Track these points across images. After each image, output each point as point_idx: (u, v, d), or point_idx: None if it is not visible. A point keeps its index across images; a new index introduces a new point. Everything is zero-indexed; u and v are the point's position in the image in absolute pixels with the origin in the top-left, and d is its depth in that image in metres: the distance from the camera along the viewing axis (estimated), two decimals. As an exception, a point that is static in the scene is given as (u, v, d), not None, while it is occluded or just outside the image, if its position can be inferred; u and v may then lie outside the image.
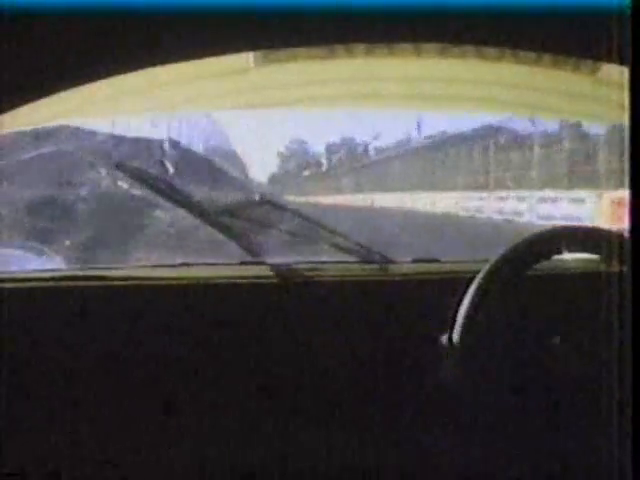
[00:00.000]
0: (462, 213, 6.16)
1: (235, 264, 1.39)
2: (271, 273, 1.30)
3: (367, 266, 1.37)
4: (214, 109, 1.55)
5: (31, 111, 0.92)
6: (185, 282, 1.27)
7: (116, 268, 1.34)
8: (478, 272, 1.08)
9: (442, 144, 5.74)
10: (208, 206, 1.38)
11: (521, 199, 6.07)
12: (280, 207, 1.44)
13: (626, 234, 0.94)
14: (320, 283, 1.28)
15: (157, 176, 1.42)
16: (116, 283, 1.24)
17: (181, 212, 1.39)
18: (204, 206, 1.37)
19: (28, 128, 1.38)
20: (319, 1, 0.86)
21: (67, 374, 1.16)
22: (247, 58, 1.19)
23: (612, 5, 0.83)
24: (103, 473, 1.16)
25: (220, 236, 1.34)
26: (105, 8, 0.83)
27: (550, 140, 5.70)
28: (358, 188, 5.80)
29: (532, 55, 1.23)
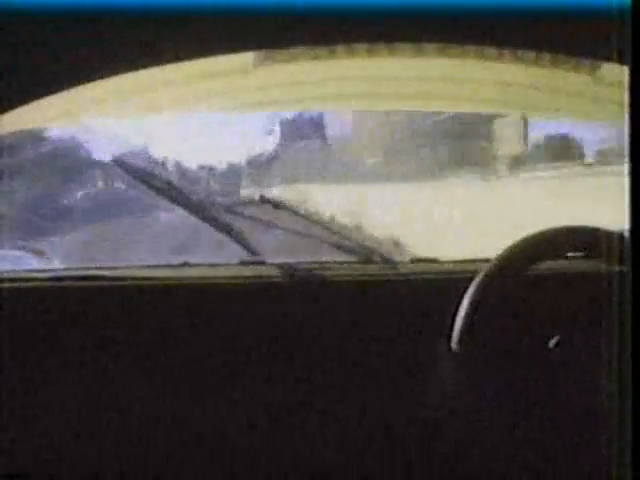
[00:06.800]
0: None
1: (235, 264, 1.39)
2: (271, 273, 1.30)
3: (367, 266, 1.37)
4: (214, 109, 1.55)
5: (31, 111, 0.92)
6: (185, 282, 1.27)
7: (116, 268, 1.34)
8: (478, 272, 1.08)
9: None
10: (208, 205, 1.38)
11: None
12: (280, 207, 1.44)
13: (626, 234, 0.95)
14: (320, 283, 1.28)
15: (156, 174, 1.41)
16: (116, 283, 1.24)
17: (180, 211, 1.39)
18: (204, 205, 1.37)
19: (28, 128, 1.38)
20: (319, 1, 0.86)
21: (67, 374, 1.16)
22: (247, 58, 1.19)
23: (612, 5, 0.83)
24: (103, 474, 1.16)
25: (220, 235, 1.34)
26: (104, 8, 0.83)
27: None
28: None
29: (532, 55, 1.23)
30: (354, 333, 1.23)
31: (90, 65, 0.89)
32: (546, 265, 1.12)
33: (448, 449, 1.18)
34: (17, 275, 1.27)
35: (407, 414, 1.21)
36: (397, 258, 1.41)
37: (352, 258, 1.38)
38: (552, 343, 1.07)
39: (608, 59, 0.94)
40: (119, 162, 1.37)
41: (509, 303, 1.05)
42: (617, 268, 1.00)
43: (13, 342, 1.10)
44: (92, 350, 1.17)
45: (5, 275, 1.25)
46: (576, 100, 1.49)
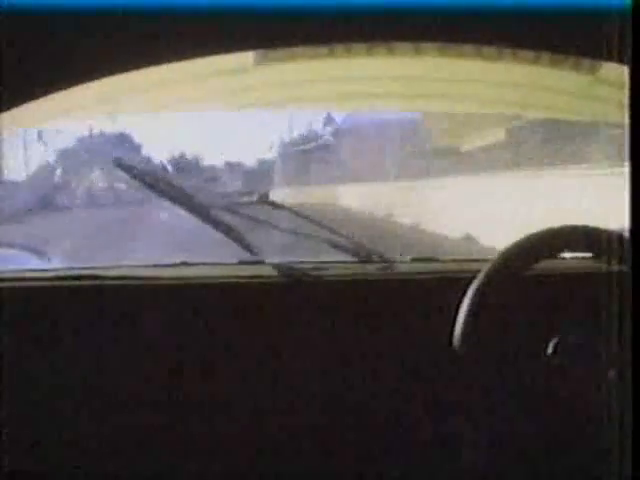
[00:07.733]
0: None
1: (234, 263, 1.39)
2: (270, 272, 1.30)
3: (367, 266, 1.37)
4: (213, 108, 1.55)
5: (31, 111, 0.92)
6: (185, 281, 1.27)
7: (115, 268, 1.34)
8: (478, 272, 1.08)
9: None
10: (207, 205, 1.37)
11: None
12: (280, 206, 1.44)
13: (626, 234, 0.95)
14: (319, 283, 1.28)
15: (156, 174, 1.41)
16: (116, 282, 1.24)
17: (180, 211, 1.39)
18: (204, 205, 1.37)
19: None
20: (319, 1, 0.86)
21: (66, 374, 1.16)
22: (247, 57, 1.19)
23: (612, 5, 0.83)
24: (103, 474, 1.16)
25: (219, 235, 1.34)
26: (104, 7, 0.83)
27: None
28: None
29: (532, 54, 1.23)
30: (353, 333, 1.23)
31: (89, 64, 0.89)
32: (546, 265, 1.12)
33: (449, 448, 1.18)
34: (16, 275, 1.27)
35: (408, 413, 1.21)
36: (397, 258, 1.41)
37: (352, 258, 1.38)
38: (552, 344, 1.07)
39: (608, 59, 0.94)
40: (119, 162, 1.36)
41: (509, 303, 1.05)
42: (617, 268, 1.00)
43: (13, 342, 1.10)
44: (92, 349, 1.17)
45: (4, 275, 1.25)
46: (576, 100, 1.49)
